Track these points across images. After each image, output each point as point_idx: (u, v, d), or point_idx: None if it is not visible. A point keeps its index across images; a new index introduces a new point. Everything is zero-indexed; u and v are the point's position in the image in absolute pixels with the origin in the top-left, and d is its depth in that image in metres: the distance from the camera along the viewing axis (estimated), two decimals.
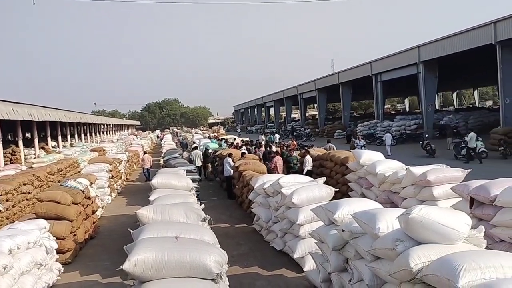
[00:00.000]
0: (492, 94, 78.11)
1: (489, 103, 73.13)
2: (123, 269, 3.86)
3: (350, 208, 5.28)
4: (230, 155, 14.55)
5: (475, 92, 68.14)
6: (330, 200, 6.94)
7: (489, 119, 33.27)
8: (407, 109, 70.18)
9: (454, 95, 71.99)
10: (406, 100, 76.22)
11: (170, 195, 7.37)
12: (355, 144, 17.13)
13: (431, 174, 7.30)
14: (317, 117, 54.00)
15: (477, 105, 60.87)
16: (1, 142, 20.09)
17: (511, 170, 14.82)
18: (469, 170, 7.85)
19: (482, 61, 28.97)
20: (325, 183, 8.16)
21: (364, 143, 18.90)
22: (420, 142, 24.00)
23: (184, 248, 3.93)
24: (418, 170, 7.72)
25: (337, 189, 8.01)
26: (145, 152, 22.49)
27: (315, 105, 58.70)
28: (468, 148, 19.35)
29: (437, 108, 48.30)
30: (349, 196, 9.53)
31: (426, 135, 26.14)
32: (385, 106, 52.90)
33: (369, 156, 9.79)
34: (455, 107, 64.88)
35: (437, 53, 27.91)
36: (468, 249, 3.77)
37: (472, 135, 19.70)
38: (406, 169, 8.24)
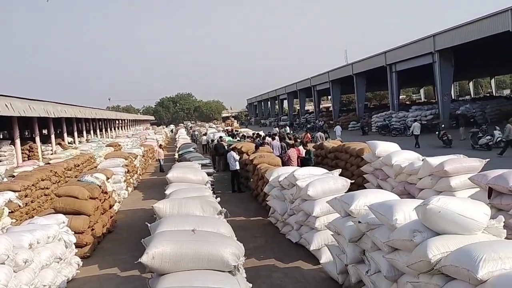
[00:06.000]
0: (509, 83, 76.52)
1: (506, 92, 71.60)
2: (141, 262, 3.91)
3: (366, 199, 5.25)
4: (233, 149, 14.57)
5: (492, 81, 66.76)
6: (345, 192, 6.91)
7: (507, 108, 32.57)
8: (423, 99, 69.17)
9: (471, 84, 70.67)
10: (422, 90, 75.19)
11: (186, 189, 7.41)
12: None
13: (448, 165, 7.18)
14: (331, 109, 53.62)
15: (494, 94, 59.60)
16: (19, 139, 20.45)
17: None
18: (487, 159, 7.73)
19: (499, 49, 28.40)
20: (340, 175, 8.11)
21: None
22: (437, 133, 23.67)
23: (201, 240, 3.96)
24: (435, 160, 7.60)
25: (352, 181, 7.96)
26: (160, 146, 23.05)
27: (329, 97, 58.25)
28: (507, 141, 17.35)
29: (453, 97, 47.55)
30: (365, 188, 9.46)
31: (443, 125, 25.72)
32: (400, 97, 52.19)
33: (385, 147, 9.69)
34: (472, 96, 63.71)
35: (453, 42, 27.41)
36: (488, 240, 3.72)
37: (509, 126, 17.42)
38: (422, 160, 8.13)
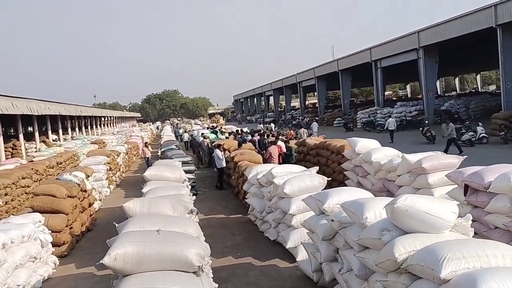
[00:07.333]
0: (495, 79, 77.15)
1: (492, 88, 72.23)
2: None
3: (339, 197, 5.23)
4: (218, 146, 14.46)
5: (478, 77, 67.45)
6: (324, 189, 6.88)
7: (491, 104, 32.87)
8: (409, 95, 69.55)
9: (457, 80, 71.34)
10: (408, 86, 75.56)
11: (162, 187, 7.33)
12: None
13: (426, 162, 7.22)
14: (317, 105, 53.66)
15: (479, 90, 60.19)
16: (2, 137, 20.09)
17: (510, 156, 14.68)
18: (465, 156, 7.79)
19: (483, 45, 28.63)
20: (321, 172, 8.09)
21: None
22: (420, 129, 23.84)
23: (166, 241, 3.90)
24: (413, 157, 7.64)
25: (329, 179, 7.94)
26: (146, 144, 22.78)
27: (315, 93, 58.27)
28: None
29: (439, 93, 47.93)
30: (345, 185, 9.46)
31: (427, 121, 25.93)
32: (387, 92, 52.49)
33: (364, 144, 9.69)
34: (458, 92, 64.28)
35: (436, 38, 27.60)
36: (455, 238, 3.70)
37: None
38: (401, 157, 8.16)
